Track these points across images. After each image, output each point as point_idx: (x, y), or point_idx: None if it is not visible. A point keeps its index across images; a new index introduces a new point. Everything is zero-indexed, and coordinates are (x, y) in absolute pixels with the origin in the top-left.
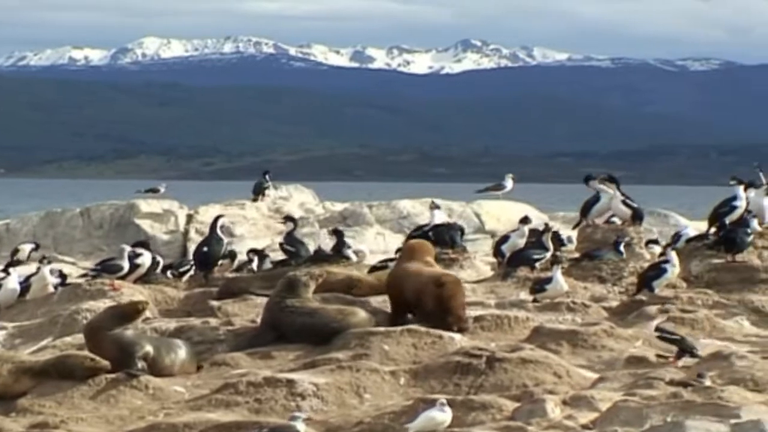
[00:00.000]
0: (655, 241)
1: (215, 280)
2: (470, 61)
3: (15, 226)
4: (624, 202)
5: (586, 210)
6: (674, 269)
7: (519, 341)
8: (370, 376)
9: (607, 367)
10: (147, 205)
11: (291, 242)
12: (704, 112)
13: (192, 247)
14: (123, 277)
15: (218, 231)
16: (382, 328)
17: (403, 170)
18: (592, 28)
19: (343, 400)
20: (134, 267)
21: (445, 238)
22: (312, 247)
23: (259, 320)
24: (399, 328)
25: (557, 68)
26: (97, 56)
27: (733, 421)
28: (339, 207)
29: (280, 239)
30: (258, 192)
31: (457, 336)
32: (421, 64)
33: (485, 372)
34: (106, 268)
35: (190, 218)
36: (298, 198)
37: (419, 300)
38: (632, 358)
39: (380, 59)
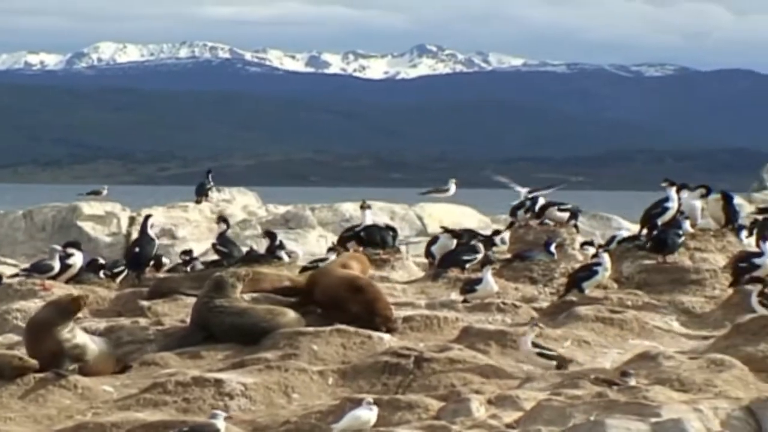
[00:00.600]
0: (590, 243)
1: (147, 280)
2: (426, 67)
3: None
4: (558, 207)
5: (514, 211)
6: (605, 271)
7: (448, 341)
8: (298, 375)
9: (536, 367)
10: (89, 207)
11: (223, 243)
12: (660, 117)
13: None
14: (54, 277)
15: (149, 231)
16: (311, 329)
17: (359, 175)
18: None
19: (271, 400)
20: (65, 267)
21: (377, 238)
22: (260, 250)
23: (188, 320)
24: (328, 328)
25: (513, 73)
26: (52, 61)
27: (653, 419)
28: (282, 210)
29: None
30: (201, 193)
31: (386, 336)
32: (376, 69)
33: (413, 372)
34: (37, 268)
35: (132, 220)
36: (241, 200)
37: (339, 304)
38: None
39: (336, 64)
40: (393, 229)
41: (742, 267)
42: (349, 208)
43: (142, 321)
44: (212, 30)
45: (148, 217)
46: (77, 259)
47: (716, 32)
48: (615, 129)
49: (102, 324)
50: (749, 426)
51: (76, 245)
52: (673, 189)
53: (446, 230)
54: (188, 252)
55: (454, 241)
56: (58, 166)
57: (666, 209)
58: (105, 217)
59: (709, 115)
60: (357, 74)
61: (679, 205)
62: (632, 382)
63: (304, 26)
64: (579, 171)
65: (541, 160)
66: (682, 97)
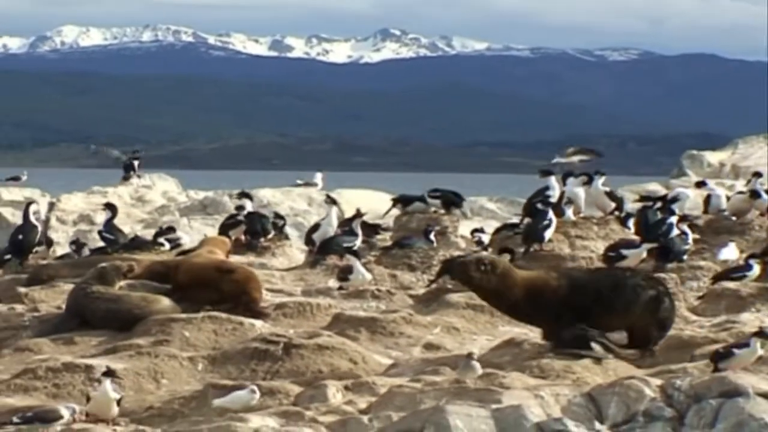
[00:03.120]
0: (481, 230)
1: (30, 267)
2: (389, 51)
3: None
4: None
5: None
6: None
7: (320, 328)
8: (168, 361)
9: (403, 354)
10: (8, 193)
11: (109, 230)
12: (623, 102)
13: (53, 236)
14: None
15: (32, 218)
16: (183, 315)
17: (322, 159)
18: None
19: (140, 386)
20: None
21: (257, 226)
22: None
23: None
24: (200, 315)
25: (476, 58)
26: (15, 44)
27: (494, 406)
28: (201, 195)
29: (139, 227)
30: (128, 172)
31: (257, 323)
32: (340, 53)
33: (282, 358)
34: None
35: (52, 206)
36: (161, 186)
37: (208, 285)
38: (428, 345)
39: (299, 48)
40: (281, 217)
41: (610, 255)
42: (267, 194)
43: (19, 307)
44: (175, 13)
45: (29, 204)
46: None
47: (680, 17)
48: (578, 113)
49: None
50: (590, 412)
51: None
52: (553, 177)
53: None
54: (77, 241)
55: (334, 228)
56: (21, 149)
57: (547, 197)
58: (24, 203)
59: (672, 100)
60: (320, 58)
61: (561, 193)
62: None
63: (267, 10)
64: (543, 155)
65: (504, 144)
66: (645, 81)
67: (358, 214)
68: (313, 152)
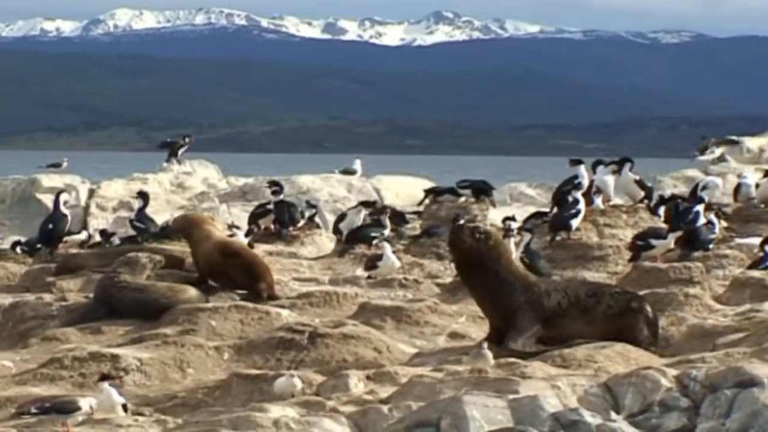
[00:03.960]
0: (512, 218)
1: (60, 256)
2: (442, 33)
3: None
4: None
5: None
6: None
7: (346, 317)
8: (194, 351)
9: (428, 343)
10: (49, 179)
11: (141, 219)
12: (675, 84)
13: (93, 222)
14: None
15: (62, 208)
16: (210, 305)
17: (374, 142)
18: (564, 1)
19: (166, 375)
20: None
21: (285, 215)
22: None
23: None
24: (227, 304)
25: (529, 40)
26: (68, 28)
27: (511, 396)
28: (240, 182)
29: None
30: (172, 152)
31: (284, 312)
32: (393, 36)
33: (307, 347)
34: None
35: (92, 193)
36: (201, 173)
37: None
38: (453, 334)
39: (352, 31)
40: (313, 206)
41: (639, 244)
42: (306, 181)
43: (47, 297)
44: None
45: (59, 193)
46: None
47: None
48: (631, 96)
49: (8, 300)
50: (606, 402)
51: None
52: (582, 166)
53: (364, 204)
54: (105, 231)
55: (362, 217)
56: (73, 132)
57: (578, 186)
58: (64, 190)
59: (724, 82)
60: (373, 41)
61: (591, 181)
62: (485, 351)
63: None
64: (595, 138)
65: (556, 127)
66: (698, 63)
67: (384, 210)
68: (366, 135)
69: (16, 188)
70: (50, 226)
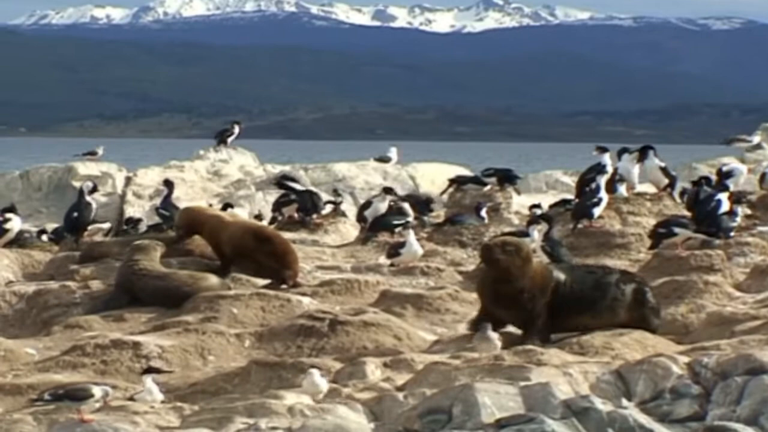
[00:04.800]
0: (538, 206)
1: (84, 244)
2: (492, 20)
3: None
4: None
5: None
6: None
7: (367, 305)
8: (215, 338)
9: (448, 330)
10: (85, 167)
11: (166, 207)
12: (726, 71)
13: (129, 210)
14: None
15: (87, 197)
16: (231, 292)
17: (425, 129)
18: None
19: (187, 362)
20: (2, 231)
21: (308, 204)
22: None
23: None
24: (249, 292)
25: (579, 27)
26: (118, 15)
27: (522, 383)
28: (277, 170)
29: (215, 201)
30: (222, 140)
31: (305, 299)
32: (442, 23)
33: (327, 335)
34: None
35: (128, 180)
36: (238, 160)
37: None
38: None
39: (402, 18)
40: (339, 194)
41: (660, 232)
42: (342, 168)
43: (71, 284)
44: None
45: (85, 182)
46: (15, 224)
47: None
48: (681, 82)
49: (32, 288)
50: (618, 389)
51: (13, 210)
52: (607, 154)
53: (387, 190)
54: (131, 219)
55: (385, 205)
56: (123, 120)
57: (602, 173)
58: (101, 178)
59: None
60: (423, 28)
61: (615, 169)
62: (489, 333)
63: None
64: (645, 125)
65: (607, 113)
66: (748, 50)
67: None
68: (416, 122)
69: (53, 176)
70: (75, 214)
